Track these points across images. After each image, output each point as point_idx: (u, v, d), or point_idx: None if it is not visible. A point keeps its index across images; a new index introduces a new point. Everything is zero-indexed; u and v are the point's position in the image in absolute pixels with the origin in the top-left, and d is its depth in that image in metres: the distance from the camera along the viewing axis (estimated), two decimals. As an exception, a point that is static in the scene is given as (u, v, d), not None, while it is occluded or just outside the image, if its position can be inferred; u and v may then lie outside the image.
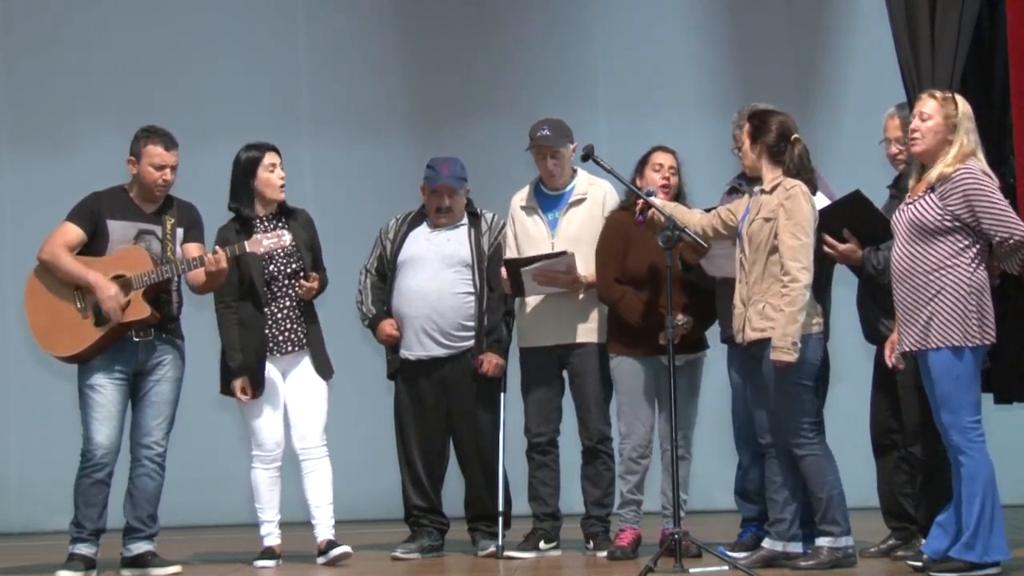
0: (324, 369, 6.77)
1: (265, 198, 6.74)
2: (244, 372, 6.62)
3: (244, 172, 6.73)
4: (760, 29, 9.35)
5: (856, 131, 8.43)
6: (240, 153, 6.78)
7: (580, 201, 6.88)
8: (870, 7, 8.04)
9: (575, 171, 6.97)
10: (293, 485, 6.88)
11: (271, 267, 6.67)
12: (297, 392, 6.72)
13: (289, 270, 6.70)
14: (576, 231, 6.81)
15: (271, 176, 6.72)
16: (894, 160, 6.47)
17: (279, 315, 6.69)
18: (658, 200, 6.30)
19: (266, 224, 6.74)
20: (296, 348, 6.70)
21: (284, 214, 6.79)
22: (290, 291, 6.70)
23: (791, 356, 5.78)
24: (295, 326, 6.70)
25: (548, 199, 6.93)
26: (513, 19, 9.48)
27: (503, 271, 6.77)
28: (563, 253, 6.66)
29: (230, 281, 6.60)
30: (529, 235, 6.86)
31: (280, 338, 6.68)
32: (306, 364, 6.72)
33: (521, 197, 6.97)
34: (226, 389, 6.70)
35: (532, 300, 6.82)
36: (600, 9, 9.52)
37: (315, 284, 6.68)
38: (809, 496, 5.99)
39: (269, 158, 6.72)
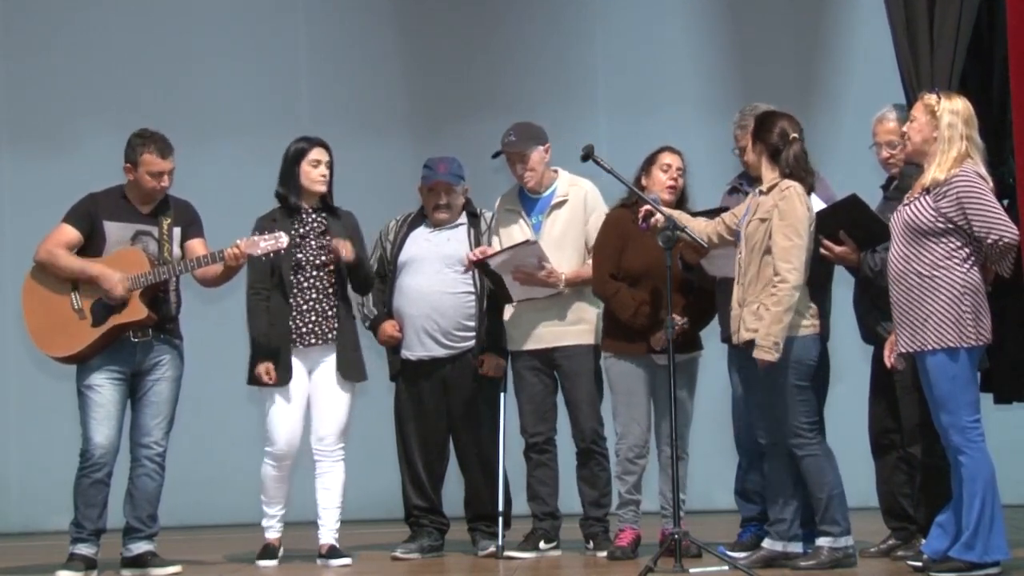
0: (350, 370, 6.72)
1: (307, 191, 6.76)
2: (268, 358, 6.62)
3: (291, 162, 6.78)
4: (760, 29, 9.35)
5: (856, 131, 8.38)
6: (290, 144, 6.83)
7: (562, 203, 6.87)
8: (870, 7, 8.03)
9: (556, 171, 6.96)
10: (300, 484, 6.87)
11: (299, 255, 6.67)
12: (320, 391, 6.71)
13: (318, 262, 6.69)
14: (560, 233, 6.80)
15: (312, 171, 6.74)
16: (886, 164, 6.44)
17: (304, 306, 6.68)
18: (664, 209, 6.27)
19: (306, 216, 6.75)
20: (320, 342, 6.67)
21: (327, 211, 6.80)
22: (318, 283, 6.69)
23: (772, 356, 5.77)
24: (320, 319, 6.68)
25: (531, 202, 6.92)
26: (513, 19, 9.49)
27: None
28: (527, 242, 6.65)
29: (263, 270, 6.64)
30: (513, 239, 6.84)
31: (303, 330, 6.66)
32: (332, 362, 6.71)
33: (505, 201, 6.98)
34: (253, 379, 6.70)
35: (518, 303, 6.80)
36: (600, 9, 9.52)
37: (346, 248, 6.62)
38: (809, 496, 5.99)
39: (315, 153, 6.77)
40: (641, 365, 6.58)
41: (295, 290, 6.68)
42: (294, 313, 6.67)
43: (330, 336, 6.69)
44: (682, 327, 6.35)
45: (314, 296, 6.69)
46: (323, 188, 6.78)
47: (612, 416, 6.68)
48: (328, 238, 6.71)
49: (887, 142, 6.34)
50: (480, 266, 6.73)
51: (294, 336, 6.66)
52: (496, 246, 6.86)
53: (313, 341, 6.67)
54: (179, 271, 6.46)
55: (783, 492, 6.02)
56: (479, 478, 6.92)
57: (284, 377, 6.63)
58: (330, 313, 6.70)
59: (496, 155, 6.88)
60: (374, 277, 6.92)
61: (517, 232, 6.86)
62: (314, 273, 6.70)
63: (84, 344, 6.34)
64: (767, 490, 6.13)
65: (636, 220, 6.36)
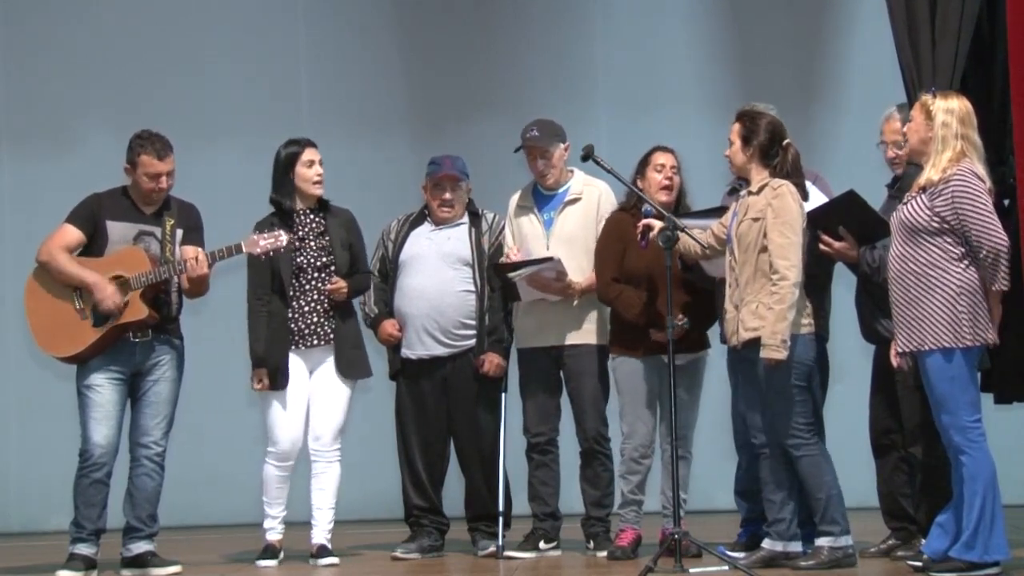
0: (350, 368, 6.76)
1: (303, 193, 6.78)
2: (262, 364, 6.66)
3: (284, 167, 6.80)
4: (760, 29, 9.35)
5: (856, 131, 8.41)
6: (280, 149, 6.85)
7: (575, 201, 6.88)
8: (871, 7, 8.04)
9: (572, 171, 6.97)
10: (297, 484, 6.87)
11: (299, 258, 6.70)
12: (319, 391, 6.74)
13: (319, 263, 6.73)
14: (570, 231, 6.82)
15: (308, 171, 6.78)
16: (892, 164, 6.47)
17: (305, 308, 6.71)
18: (656, 222, 6.29)
19: (303, 218, 6.78)
20: (322, 343, 6.71)
21: (323, 210, 6.83)
22: (319, 284, 6.72)
23: (781, 354, 5.78)
24: (321, 320, 6.71)
25: (544, 198, 6.94)
26: (513, 19, 9.48)
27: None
28: (550, 259, 6.66)
29: (263, 274, 6.67)
30: (524, 234, 6.87)
31: (305, 331, 6.70)
32: (332, 362, 6.73)
33: (518, 197, 6.99)
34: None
35: (528, 301, 6.81)
36: (600, 9, 9.52)
37: (340, 286, 6.70)
38: (807, 496, 5.99)
39: (307, 154, 6.80)
40: (648, 365, 6.58)
41: (296, 292, 6.70)
42: (295, 315, 6.69)
43: (331, 336, 6.71)
44: (683, 327, 6.34)
45: (315, 297, 6.72)
46: (320, 189, 6.82)
47: (619, 416, 6.68)
48: (327, 239, 6.73)
49: (893, 141, 6.38)
50: (496, 273, 6.75)
51: (296, 338, 6.69)
52: (509, 242, 6.89)
53: (315, 342, 6.71)
54: (179, 270, 6.46)
55: (780, 492, 6.02)
56: (479, 478, 6.92)
57: (281, 382, 6.66)
58: (330, 313, 6.72)
59: (518, 150, 6.88)
60: (368, 284, 6.94)
61: (528, 227, 6.88)
62: (315, 275, 6.73)
63: (86, 344, 6.34)
64: (764, 491, 6.12)
65: (635, 223, 6.37)
